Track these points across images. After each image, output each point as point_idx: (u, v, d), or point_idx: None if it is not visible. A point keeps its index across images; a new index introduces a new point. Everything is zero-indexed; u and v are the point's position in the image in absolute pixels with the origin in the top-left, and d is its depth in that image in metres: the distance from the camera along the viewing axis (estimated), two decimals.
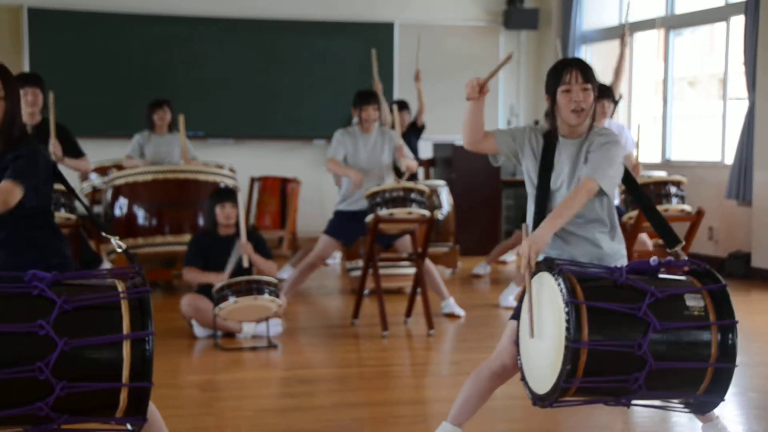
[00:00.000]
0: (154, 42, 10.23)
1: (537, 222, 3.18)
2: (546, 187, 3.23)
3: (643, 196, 3.40)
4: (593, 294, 2.81)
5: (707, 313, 2.84)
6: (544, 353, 2.91)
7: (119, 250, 2.70)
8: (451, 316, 6.33)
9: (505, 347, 3.23)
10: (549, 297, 2.89)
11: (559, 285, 2.82)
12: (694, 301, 2.85)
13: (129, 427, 2.45)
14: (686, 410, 3.06)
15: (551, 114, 3.27)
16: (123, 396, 2.30)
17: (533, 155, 3.27)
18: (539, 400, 2.95)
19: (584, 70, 3.20)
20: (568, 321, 2.75)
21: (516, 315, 3.17)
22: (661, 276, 2.96)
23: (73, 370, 2.24)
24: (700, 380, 2.86)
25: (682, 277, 2.96)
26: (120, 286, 2.39)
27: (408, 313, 6.15)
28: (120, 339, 2.29)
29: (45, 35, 9.78)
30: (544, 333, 2.90)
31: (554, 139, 3.26)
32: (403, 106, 7.93)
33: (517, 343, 3.10)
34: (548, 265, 2.92)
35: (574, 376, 2.76)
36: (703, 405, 2.96)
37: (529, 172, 3.29)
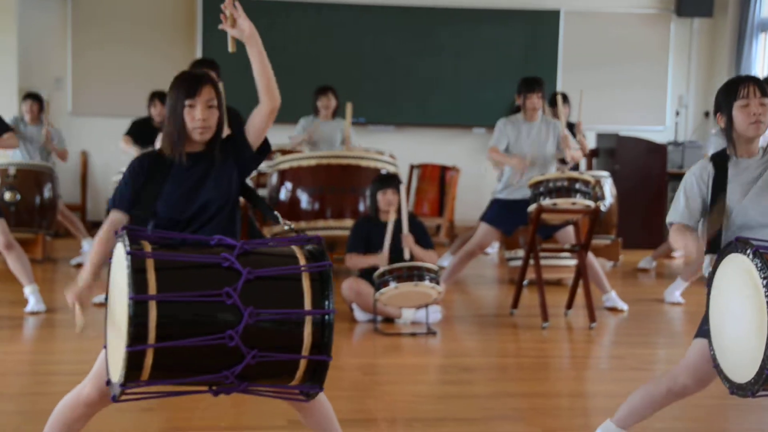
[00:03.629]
0: (318, 29, 10.40)
1: (711, 246, 3.03)
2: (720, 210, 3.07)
3: None
4: None
5: None
6: (742, 339, 2.72)
7: (286, 228, 2.76)
8: (614, 309, 6.19)
9: (689, 366, 3.07)
10: (743, 279, 2.70)
11: (757, 265, 2.62)
12: None
13: (300, 394, 2.50)
14: None
15: (727, 133, 3.12)
16: (302, 365, 2.35)
17: (708, 190, 3.12)
18: (738, 389, 2.77)
19: (761, 85, 3.06)
20: None
21: (703, 332, 2.98)
22: None
23: (258, 339, 2.30)
24: None
25: None
26: (299, 254, 2.43)
27: (569, 305, 6.04)
28: (302, 314, 2.33)
29: (217, 22, 10.07)
30: (740, 319, 2.73)
31: (726, 160, 3.11)
32: (564, 99, 7.76)
33: (706, 332, 2.92)
34: (741, 245, 2.73)
35: None
36: None
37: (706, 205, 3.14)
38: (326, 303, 2.37)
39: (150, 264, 2.28)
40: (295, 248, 2.45)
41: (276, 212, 2.90)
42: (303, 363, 2.35)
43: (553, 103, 7.19)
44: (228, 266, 2.32)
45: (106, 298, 2.57)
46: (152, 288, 2.22)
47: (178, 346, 2.22)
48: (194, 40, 10.07)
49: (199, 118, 2.81)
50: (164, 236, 2.47)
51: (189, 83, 2.86)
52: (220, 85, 5.60)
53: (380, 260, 5.65)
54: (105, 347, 2.55)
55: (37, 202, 7.77)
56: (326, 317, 2.35)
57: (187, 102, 2.83)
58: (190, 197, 2.83)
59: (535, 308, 5.82)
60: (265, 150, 2.96)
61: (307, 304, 2.34)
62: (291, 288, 2.35)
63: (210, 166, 2.87)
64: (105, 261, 2.78)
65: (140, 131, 7.64)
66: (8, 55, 9.57)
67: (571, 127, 7.85)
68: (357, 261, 5.83)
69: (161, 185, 2.84)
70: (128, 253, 2.27)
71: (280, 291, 2.37)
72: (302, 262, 2.40)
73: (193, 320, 2.27)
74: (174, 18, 10.14)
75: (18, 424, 3.63)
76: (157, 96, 7.64)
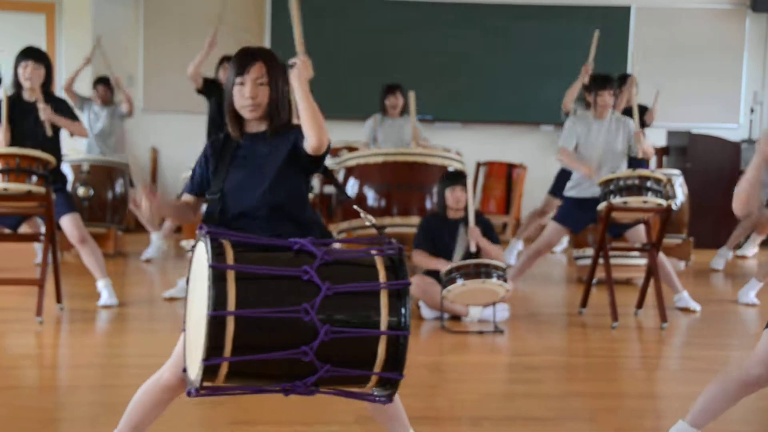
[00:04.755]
0: (386, 26, 10.41)
1: None
2: None
3: None
4: None
5: None
6: None
7: (368, 224, 2.73)
8: (686, 310, 6.09)
9: (761, 356, 3.02)
10: None
11: None
12: None
13: (377, 395, 2.48)
14: None
15: None
16: (381, 348, 2.33)
17: None
18: None
19: None
20: None
21: None
22: None
23: (335, 315, 2.29)
24: None
25: None
26: (380, 265, 2.41)
27: (639, 305, 5.95)
28: (378, 287, 2.33)
29: (286, 18, 10.15)
30: None
31: None
32: (626, 78, 7.59)
33: None
34: None
35: None
36: None
37: None
38: (402, 321, 2.35)
39: (227, 245, 2.28)
40: (376, 259, 2.42)
41: (356, 208, 2.87)
42: (383, 346, 2.32)
43: (621, 84, 7.07)
44: (308, 279, 2.31)
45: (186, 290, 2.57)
46: (231, 301, 2.22)
47: (255, 317, 2.22)
48: (263, 35, 10.16)
49: (247, 96, 2.78)
50: (245, 239, 2.44)
51: (239, 60, 2.82)
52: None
53: (471, 234, 5.66)
54: (183, 330, 2.55)
55: (109, 197, 7.91)
56: (403, 307, 2.33)
57: (237, 80, 2.80)
58: (250, 181, 2.80)
59: (604, 308, 5.75)
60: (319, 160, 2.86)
61: (384, 322, 2.33)
62: (368, 304, 2.33)
63: (270, 148, 2.83)
64: (169, 209, 2.94)
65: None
66: (82, 53, 9.76)
67: (643, 111, 7.69)
68: (424, 261, 5.81)
69: (228, 167, 2.82)
70: (210, 266, 2.25)
71: (358, 307, 2.35)
72: (382, 274, 2.37)
73: (269, 334, 2.27)
74: (243, 14, 10.24)
75: (94, 414, 3.69)
76: (226, 59, 7.57)
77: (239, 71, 2.80)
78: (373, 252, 2.41)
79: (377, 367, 2.35)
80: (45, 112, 5.43)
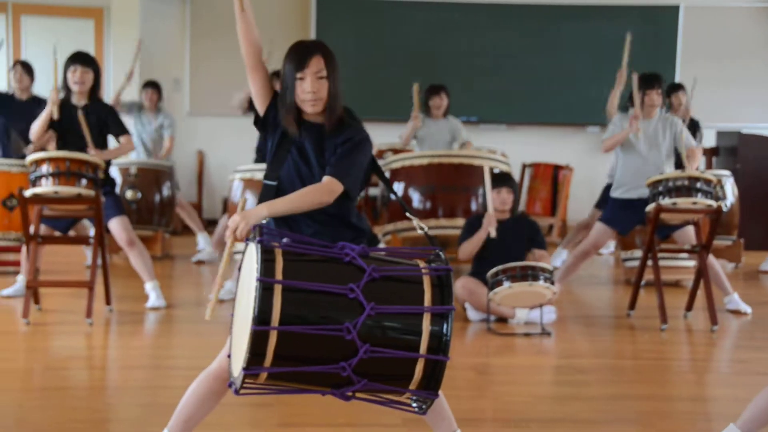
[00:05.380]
0: (429, 28, 10.40)
1: None
2: None
3: None
4: None
5: None
6: None
7: (420, 232, 2.72)
8: (736, 312, 5.99)
9: None
10: None
11: None
12: None
13: (414, 405, 2.48)
14: None
15: None
16: (419, 368, 2.34)
17: None
18: None
19: None
20: None
21: None
22: None
23: (376, 335, 2.31)
24: None
25: None
26: (422, 265, 2.44)
27: (689, 307, 5.88)
28: (421, 311, 2.33)
29: (330, 19, 10.19)
30: None
31: None
32: (677, 87, 7.51)
33: None
34: None
35: None
36: None
37: None
38: (442, 345, 2.36)
39: (278, 253, 2.31)
40: (424, 277, 2.42)
41: (408, 214, 2.86)
42: (420, 366, 2.34)
43: (670, 91, 7.02)
44: (349, 261, 2.34)
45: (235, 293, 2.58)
46: (276, 315, 2.25)
47: (298, 332, 2.25)
48: (308, 37, 10.20)
49: (309, 90, 2.78)
50: (297, 248, 2.46)
51: (298, 55, 2.81)
52: None
53: (487, 220, 5.59)
54: (232, 315, 2.57)
55: (156, 200, 7.99)
56: (444, 332, 2.34)
57: (297, 75, 2.79)
58: (301, 175, 2.81)
59: (653, 310, 5.69)
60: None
61: (424, 345, 2.34)
62: (410, 326, 2.34)
63: (320, 145, 2.84)
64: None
65: None
66: (130, 58, 9.87)
67: (694, 125, 7.63)
68: (468, 246, 5.76)
69: (287, 153, 2.82)
70: (258, 242, 2.30)
71: (402, 292, 2.36)
72: (428, 296, 2.37)
73: (310, 348, 2.29)
74: (288, 18, 10.30)
75: (143, 415, 3.72)
76: (276, 75, 7.63)
77: (299, 66, 2.79)
78: (423, 271, 2.40)
79: (413, 385, 2.37)
80: (95, 157, 5.39)
